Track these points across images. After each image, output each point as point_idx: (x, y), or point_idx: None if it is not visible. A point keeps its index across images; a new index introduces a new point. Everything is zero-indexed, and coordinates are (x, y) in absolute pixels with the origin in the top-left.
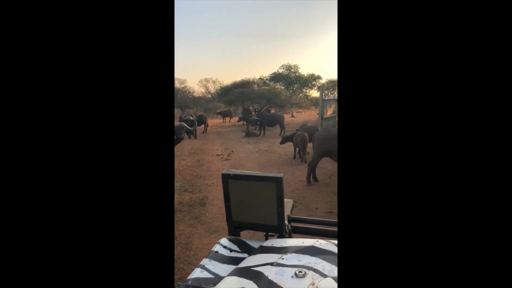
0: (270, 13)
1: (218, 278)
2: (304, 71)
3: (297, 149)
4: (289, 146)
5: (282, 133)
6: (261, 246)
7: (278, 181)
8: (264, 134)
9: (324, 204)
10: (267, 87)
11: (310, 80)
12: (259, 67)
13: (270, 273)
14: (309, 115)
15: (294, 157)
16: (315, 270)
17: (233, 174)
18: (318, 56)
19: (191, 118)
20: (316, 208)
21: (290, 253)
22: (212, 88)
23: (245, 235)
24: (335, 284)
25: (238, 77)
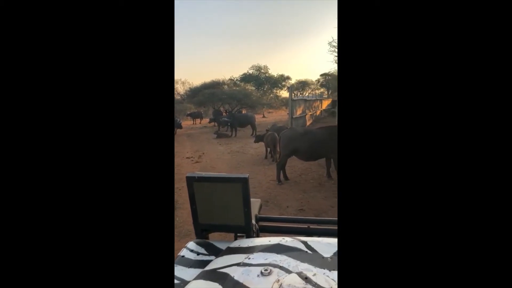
0: (240, 14)
1: (183, 283)
2: (274, 71)
3: (269, 149)
4: (261, 147)
5: (254, 133)
6: (228, 247)
7: (244, 181)
8: (235, 135)
9: (295, 202)
10: (237, 88)
11: (280, 81)
12: (229, 67)
13: (236, 273)
14: (280, 115)
15: (266, 157)
16: (281, 267)
17: (198, 177)
18: (288, 57)
19: (178, 120)
20: (287, 207)
21: (257, 252)
22: (181, 89)
23: (216, 237)
24: (299, 279)
25: (208, 78)
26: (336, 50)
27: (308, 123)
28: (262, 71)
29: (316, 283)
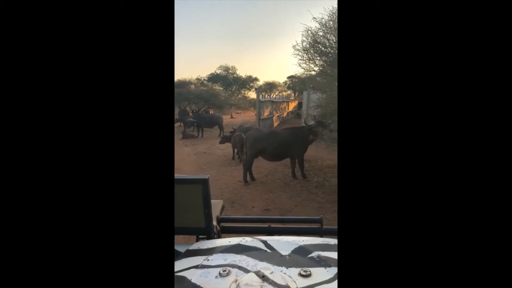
0: (208, 14)
1: None
2: (242, 72)
3: (236, 149)
4: (228, 147)
5: (221, 134)
6: (187, 250)
7: (204, 182)
8: (202, 135)
9: (261, 202)
10: (204, 88)
11: (248, 82)
12: (196, 67)
13: (194, 276)
14: (248, 116)
15: (233, 158)
16: (239, 267)
17: None
18: (256, 58)
19: None
20: (253, 207)
21: (216, 253)
22: None
23: (180, 240)
24: (256, 278)
25: (174, 77)
26: (300, 53)
27: (275, 124)
28: (230, 71)
29: (272, 281)
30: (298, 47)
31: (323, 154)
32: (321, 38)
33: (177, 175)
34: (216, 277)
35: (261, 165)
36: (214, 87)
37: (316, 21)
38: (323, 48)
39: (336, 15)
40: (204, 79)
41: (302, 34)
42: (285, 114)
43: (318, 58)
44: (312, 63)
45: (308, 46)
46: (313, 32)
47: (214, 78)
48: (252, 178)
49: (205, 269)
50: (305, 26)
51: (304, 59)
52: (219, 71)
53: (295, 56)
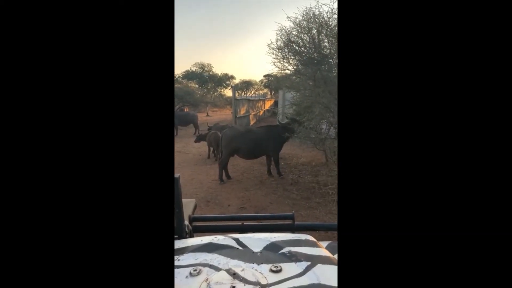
0: (183, 12)
1: None
2: (218, 70)
3: (211, 148)
4: (203, 146)
5: (197, 132)
6: None
7: (175, 182)
8: (177, 134)
9: (236, 200)
10: (179, 85)
11: (224, 80)
12: None
13: None
14: (225, 114)
15: (209, 157)
16: (211, 266)
17: None
18: (232, 56)
19: None
20: (229, 205)
21: (187, 253)
22: None
23: None
24: (227, 276)
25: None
26: (274, 52)
27: (252, 123)
28: (206, 69)
29: (243, 278)
30: (272, 46)
31: (298, 151)
32: (295, 37)
33: None
34: (187, 277)
35: (237, 163)
36: (189, 85)
37: (290, 20)
38: (297, 48)
39: (309, 15)
40: (178, 77)
41: (277, 33)
42: (261, 112)
43: (292, 57)
44: (286, 62)
45: (282, 45)
46: (287, 31)
47: (189, 75)
48: (228, 177)
49: (175, 270)
50: (280, 25)
51: (279, 57)
52: (194, 68)
53: (270, 54)
